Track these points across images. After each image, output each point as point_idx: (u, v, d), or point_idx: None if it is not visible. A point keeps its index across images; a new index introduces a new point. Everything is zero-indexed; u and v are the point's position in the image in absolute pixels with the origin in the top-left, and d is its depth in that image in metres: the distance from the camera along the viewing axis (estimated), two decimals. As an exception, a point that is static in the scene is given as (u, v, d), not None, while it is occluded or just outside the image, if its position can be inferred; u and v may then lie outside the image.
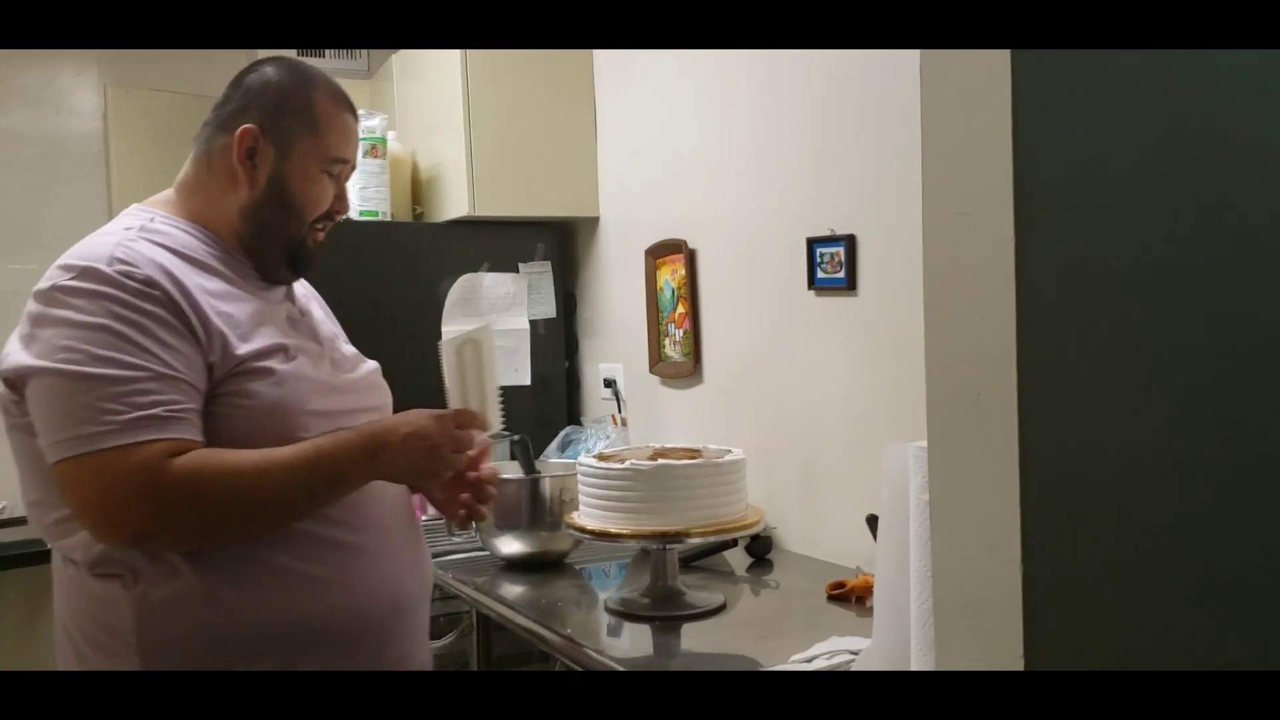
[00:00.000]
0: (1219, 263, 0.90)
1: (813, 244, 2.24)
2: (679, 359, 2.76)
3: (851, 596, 1.93)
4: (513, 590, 2.14)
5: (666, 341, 2.81)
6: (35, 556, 3.07)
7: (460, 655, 2.68)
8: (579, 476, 1.97)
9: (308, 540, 1.36)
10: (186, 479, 1.26)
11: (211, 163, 1.46)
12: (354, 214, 2.94)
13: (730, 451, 1.94)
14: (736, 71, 2.49)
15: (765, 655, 1.65)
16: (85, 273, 1.28)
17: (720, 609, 1.92)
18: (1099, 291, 0.86)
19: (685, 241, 2.70)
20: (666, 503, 1.83)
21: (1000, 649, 0.85)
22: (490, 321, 1.54)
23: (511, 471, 2.29)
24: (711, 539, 2.01)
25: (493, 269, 3.07)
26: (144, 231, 1.37)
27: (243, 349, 1.34)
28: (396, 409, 1.59)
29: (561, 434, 2.99)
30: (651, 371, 2.87)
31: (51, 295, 1.29)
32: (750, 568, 2.25)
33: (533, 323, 3.13)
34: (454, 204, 3.06)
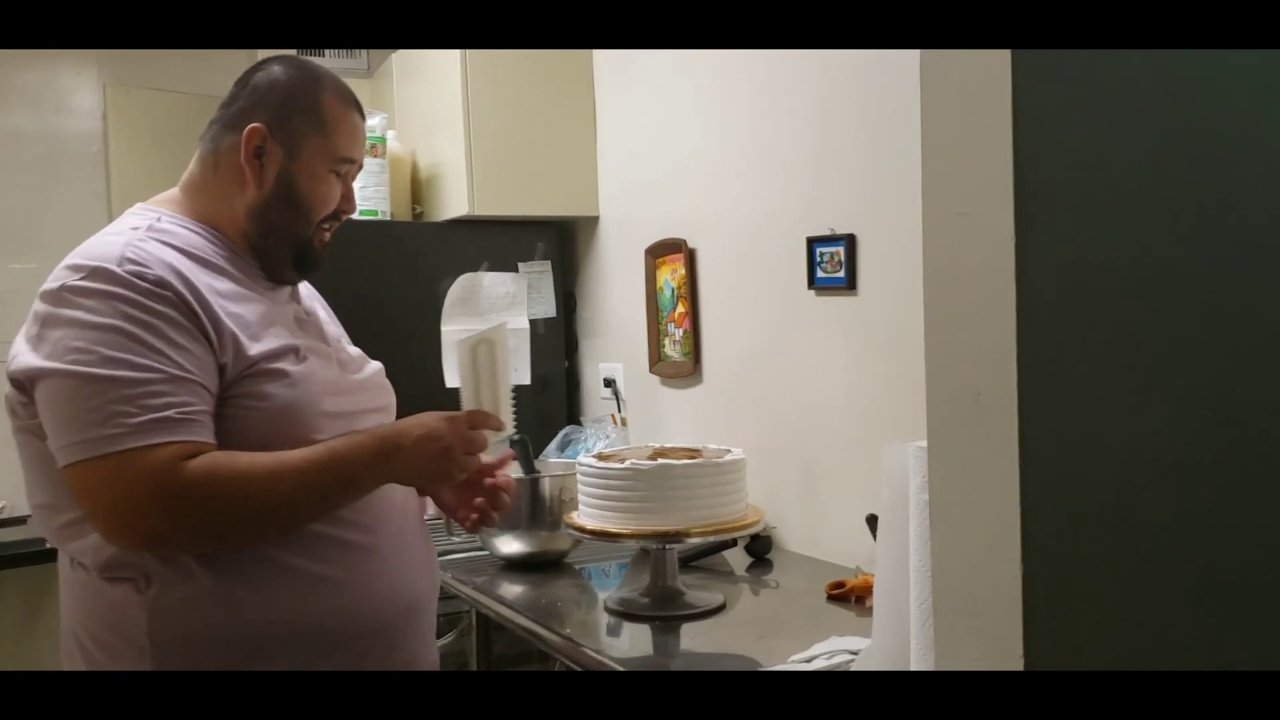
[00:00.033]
0: (1219, 262, 0.90)
1: (813, 243, 2.24)
2: (679, 358, 2.76)
3: (851, 596, 1.93)
4: (512, 590, 2.14)
5: (666, 341, 2.81)
6: (35, 556, 3.07)
7: (460, 655, 2.68)
8: (579, 476, 1.97)
9: (320, 541, 1.35)
10: (200, 482, 1.24)
11: (218, 161, 1.45)
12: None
13: (730, 451, 1.94)
14: (736, 71, 2.49)
15: (765, 655, 1.65)
16: (95, 273, 1.27)
17: (720, 609, 1.92)
18: (1099, 291, 0.86)
19: (685, 241, 2.70)
20: (666, 502, 1.83)
21: (1000, 649, 0.84)
22: (504, 321, 1.53)
23: (511, 471, 2.28)
24: (711, 539, 2.01)
25: (492, 268, 3.07)
26: (152, 231, 1.35)
27: (255, 350, 1.33)
28: (397, 409, 1.59)
29: (561, 433, 2.98)
30: (651, 371, 2.86)
31: (61, 296, 1.27)
32: (750, 567, 2.25)
33: (532, 322, 3.13)
34: (454, 203, 3.06)
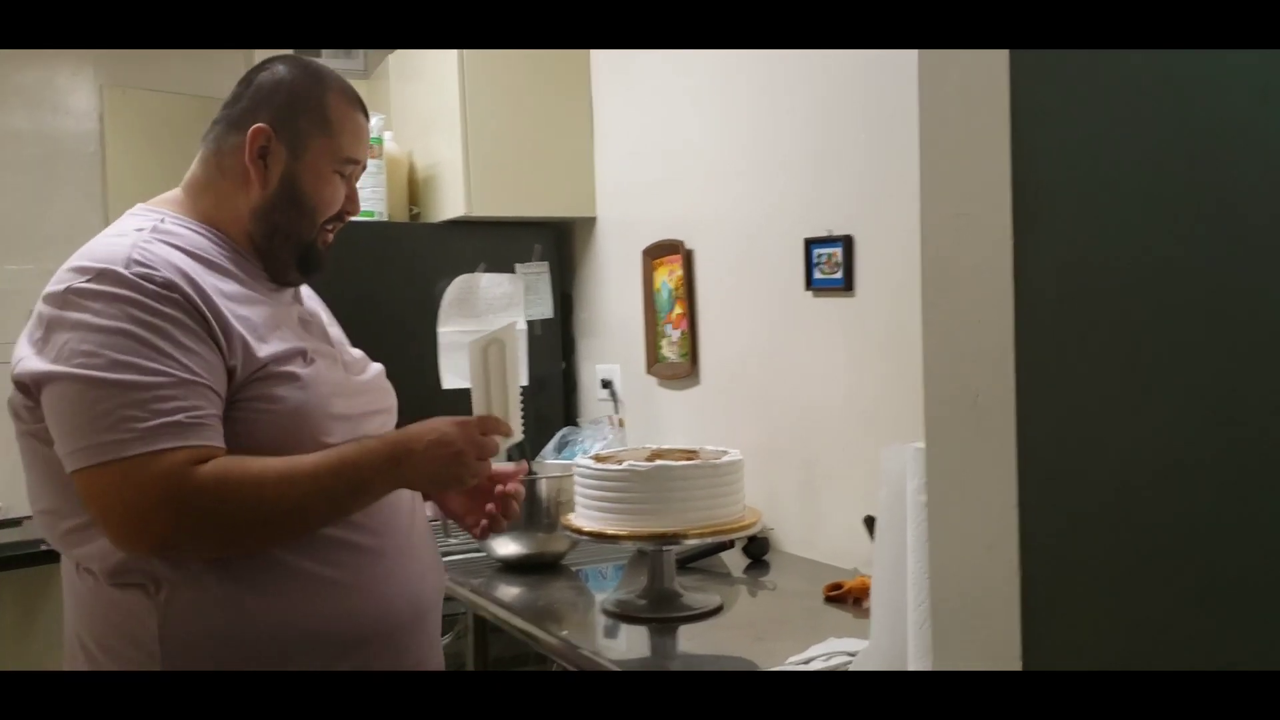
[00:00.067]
0: (1218, 262, 0.90)
1: (810, 245, 2.24)
2: (676, 360, 2.76)
3: (849, 598, 1.92)
4: (509, 592, 2.13)
5: (664, 342, 2.81)
6: (31, 558, 3.07)
7: (457, 657, 2.67)
8: (576, 477, 1.96)
9: (330, 545, 1.34)
10: (211, 487, 1.23)
11: (222, 162, 1.43)
12: (351, 214, 2.93)
13: (727, 453, 1.93)
14: (734, 72, 2.49)
15: (762, 657, 1.65)
16: (102, 275, 1.25)
17: (717, 610, 1.91)
18: (1098, 292, 0.85)
19: (683, 242, 2.70)
20: (664, 504, 1.82)
21: (998, 651, 0.84)
22: (514, 321, 1.52)
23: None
24: (709, 540, 2.01)
25: (489, 269, 3.07)
26: (156, 232, 1.34)
27: (264, 353, 1.32)
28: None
29: (558, 435, 2.98)
30: (649, 372, 2.86)
31: (66, 298, 1.25)
32: (747, 569, 2.25)
33: (530, 323, 3.12)
34: (450, 204, 3.06)
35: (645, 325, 2.85)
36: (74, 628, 1.36)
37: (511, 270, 3.10)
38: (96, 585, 1.31)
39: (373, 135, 3.01)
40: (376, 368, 1.58)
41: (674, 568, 1.97)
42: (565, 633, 1.84)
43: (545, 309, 3.15)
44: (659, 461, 1.87)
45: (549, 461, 2.76)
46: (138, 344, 1.23)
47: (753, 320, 2.47)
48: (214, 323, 1.28)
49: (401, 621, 1.42)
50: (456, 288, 3.02)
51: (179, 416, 1.22)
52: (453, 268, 3.02)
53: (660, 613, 1.90)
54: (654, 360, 2.85)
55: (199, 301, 1.28)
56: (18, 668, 3.34)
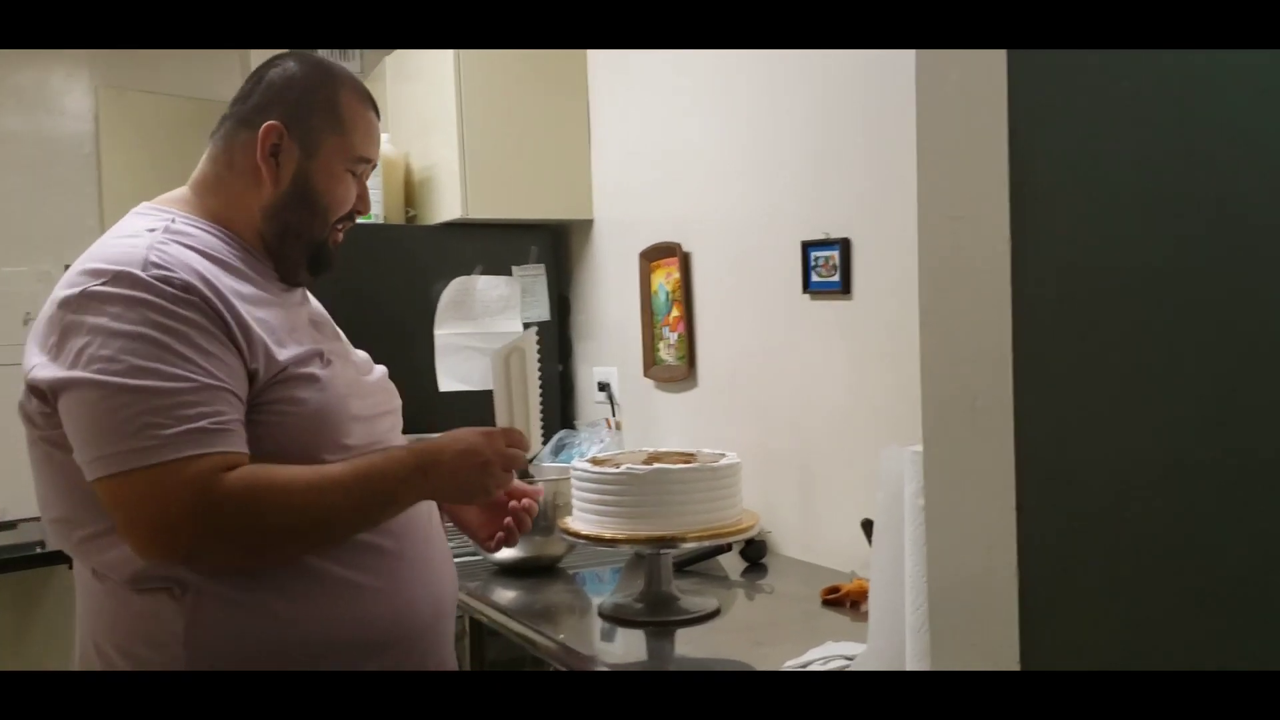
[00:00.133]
0: (1217, 264, 0.90)
1: (807, 247, 2.24)
2: (673, 362, 2.75)
3: (846, 601, 1.92)
4: (506, 595, 2.13)
5: (661, 345, 2.81)
6: (27, 560, 3.06)
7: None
8: (573, 481, 1.96)
9: (354, 548, 1.33)
10: (239, 496, 1.21)
11: (232, 159, 1.41)
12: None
13: (725, 455, 1.93)
14: (732, 73, 2.49)
15: (760, 661, 1.65)
16: (119, 277, 1.22)
17: (714, 614, 1.91)
18: (1096, 294, 0.85)
19: (680, 244, 2.69)
20: (661, 507, 1.82)
21: (996, 654, 0.84)
22: (533, 327, 1.51)
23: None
24: (706, 543, 2.01)
25: (486, 272, 3.06)
26: (169, 233, 1.31)
27: (284, 355, 1.30)
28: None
29: (555, 438, 2.98)
30: (646, 375, 2.86)
31: (82, 302, 1.22)
32: (745, 572, 2.25)
33: (526, 326, 3.11)
34: (447, 206, 3.06)
35: (642, 328, 2.85)
36: (90, 633, 1.33)
37: (508, 272, 3.10)
38: (117, 590, 1.28)
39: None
40: (381, 369, 1.57)
41: (671, 571, 1.97)
42: (562, 636, 1.83)
43: (542, 311, 3.14)
44: (656, 465, 1.87)
45: (546, 464, 2.75)
46: (158, 349, 1.20)
47: (750, 323, 2.46)
48: (234, 326, 1.26)
49: (424, 623, 1.41)
50: (453, 290, 3.02)
51: (203, 423, 1.20)
52: (449, 270, 3.02)
53: (657, 616, 1.89)
54: (651, 363, 2.84)
55: (218, 304, 1.26)
56: (15, 668, 3.33)
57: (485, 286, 3.06)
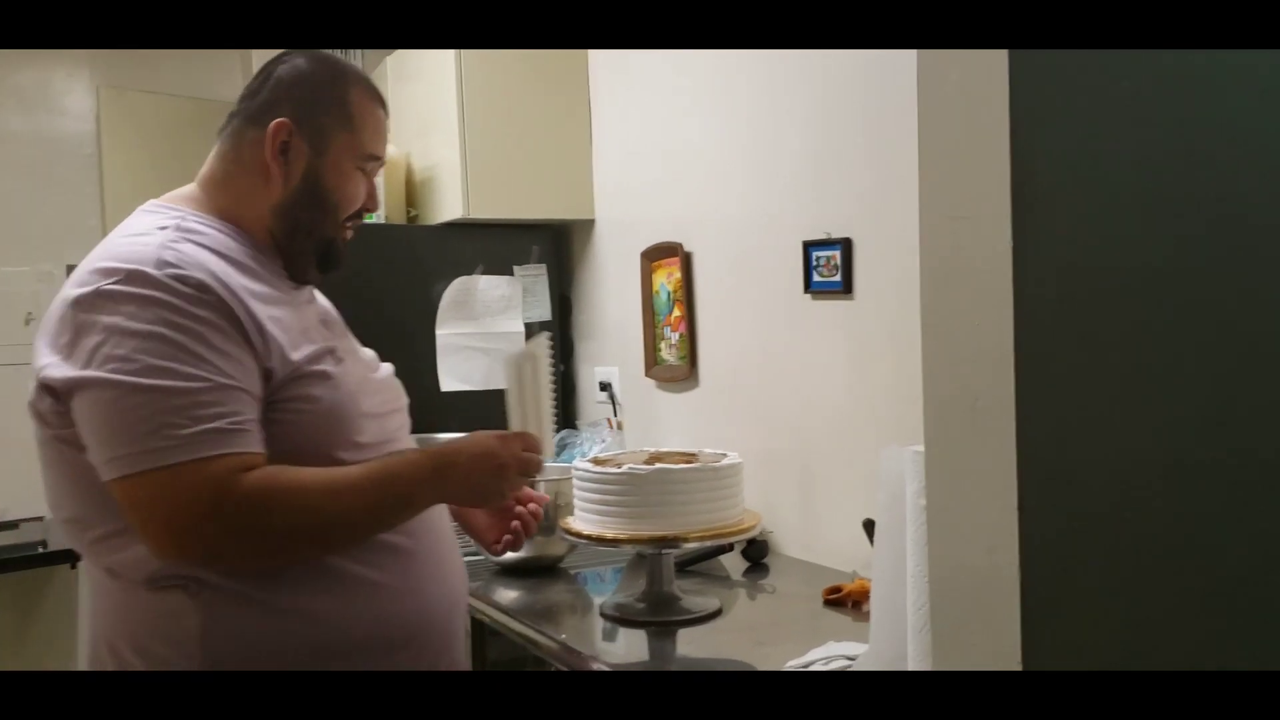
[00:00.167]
0: (1218, 265, 0.90)
1: (809, 247, 2.24)
2: (675, 362, 2.75)
3: (848, 601, 1.92)
4: (507, 595, 2.13)
5: (662, 345, 2.81)
6: (28, 560, 3.06)
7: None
8: (574, 481, 1.96)
9: (371, 546, 1.33)
10: (257, 497, 1.21)
11: (241, 157, 1.40)
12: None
13: (726, 455, 1.93)
14: (733, 73, 2.49)
15: (761, 661, 1.65)
16: (132, 276, 1.21)
17: (716, 614, 1.91)
18: (1098, 293, 0.85)
19: (681, 244, 2.69)
20: (663, 507, 1.82)
21: (998, 655, 0.84)
22: (543, 333, 1.51)
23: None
24: (708, 543, 2.00)
25: (487, 272, 3.06)
26: (181, 231, 1.30)
27: (297, 354, 1.30)
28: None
29: (557, 437, 2.98)
30: (647, 375, 2.86)
31: (95, 301, 1.21)
32: (746, 572, 2.25)
33: (528, 326, 3.11)
34: (448, 206, 3.06)
35: (644, 328, 2.85)
36: (102, 632, 1.32)
37: (509, 272, 3.10)
38: (131, 589, 1.27)
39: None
40: (388, 367, 1.57)
41: (673, 571, 1.97)
42: (564, 636, 1.83)
43: (543, 311, 3.14)
44: (658, 465, 1.87)
45: (547, 464, 2.75)
46: (174, 348, 1.19)
47: (752, 323, 2.46)
48: (249, 325, 1.26)
49: (439, 621, 1.41)
50: (454, 290, 3.02)
51: (220, 423, 1.20)
52: (451, 270, 3.02)
53: (659, 616, 1.89)
54: (653, 363, 2.84)
55: (232, 304, 1.25)
56: (15, 669, 3.34)
57: (486, 286, 3.06)
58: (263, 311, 1.28)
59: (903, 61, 1.90)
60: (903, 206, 1.98)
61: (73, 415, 1.22)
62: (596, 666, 1.69)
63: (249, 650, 1.26)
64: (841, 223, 2.17)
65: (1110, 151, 0.85)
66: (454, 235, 3.08)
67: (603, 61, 3.06)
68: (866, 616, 1.42)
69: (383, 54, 3.61)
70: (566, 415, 3.24)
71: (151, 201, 1.40)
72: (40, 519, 3.31)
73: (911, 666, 1.20)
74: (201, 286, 1.23)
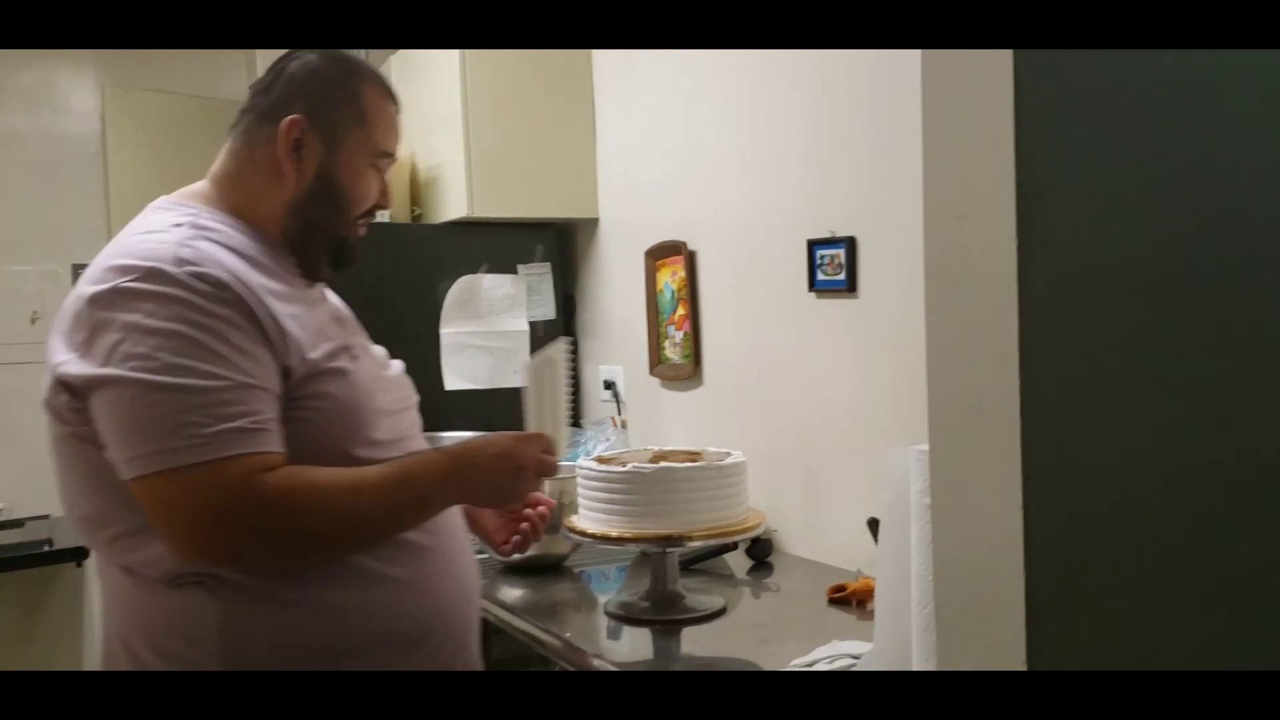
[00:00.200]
0: (1223, 264, 0.90)
1: (813, 246, 2.23)
2: (679, 361, 2.75)
3: (853, 600, 1.92)
4: (511, 593, 2.13)
5: (666, 343, 2.81)
6: (32, 559, 3.07)
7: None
8: (579, 479, 1.96)
9: (391, 543, 1.33)
10: (280, 498, 1.20)
11: (253, 154, 1.39)
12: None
13: (731, 454, 1.93)
14: (736, 72, 2.49)
15: (766, 659, 1.65)
16: (151, 274, 1.20)
17: (720, 613, 1.91)
18: (1102, 293, 0.85)
19: (685, 243, 2.69)
20: (667, 505, 1.82)
21: (1003, 653, 0.84)
22: (561, 338, 1.52)
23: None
24: (712, 542, 2.00)
25: (491, 270, 3.06)
26: (197, 229, 1.29)
27: (315, 352, 1.29)
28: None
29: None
30: (651, 373, 2.86)
31: (113, 298, 1.19)
32: (751, 571, 2.25)
33: (532, 324, 3.12)
34: (452, 205, 3.06)
35: (648, 326, 2.85)
36: (118, 631, 1.31)
37: (514, 271, 3.10)
38: (148, 586, 1.26)
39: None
40: (399, 364, 1.57)
41: (677, 569, 1.97)
42: (568, 635, 1.83)
43: (547, 310, 3.15)
44: (662, 463, 1.87)
45: (552, 463, 2.75)
46: (195, 346, 1.19)
47: (756, 321, 2.46)
48: (268, 323, 1.25)
49: (457, 618, 1.41)
50: (459, 289, 3.02)
51: (241, 422, 1.19)
52: (455, 269, 3.02)
53: (663, 615, 1.89)
54: (657, 361, 2.84)
55: (251, 302, 1.24)
56: (20, 668, 3.35)
57: (490, 285, 3.06)
58: (280, 309, 1.28)
59: (906, 60, 1.90)
60: (907, 205, 1.98)
61: (91, 413, 1.21)
62: (600, 665, 1.69)
63: (267, 646, 1.25)
64: (846, 221, 2.17)
65: (1114, 150, 0.85)
66: (458, 234, 3.08)
67: (607, 61, 3.06)
68: (871, 615, 1.42)
69: (387, 54, 3.61)
70: (571, 414, 3.23)
71: (163, 198, 1.39)
72: (45, 517, 3.32)
73: (916, 665, 1.20)
74: (220, 284, 1.23)
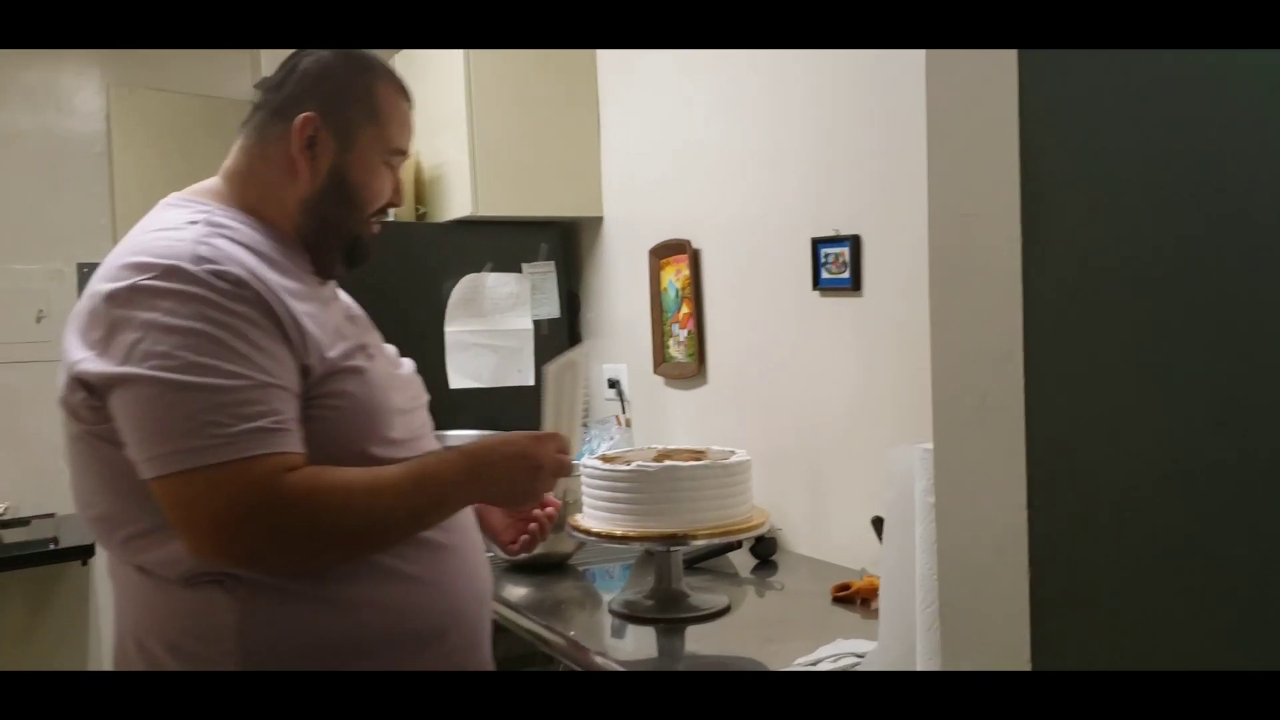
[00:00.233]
0: (1228, 263, 0.90)
1: (817, 244, 2.23)
2: (683, 360, 2.75)
3: (857, 599, 1.92)
4: (516, 592, 2.13)
5: (670, 342, 2.81)
6: (37, 558, 3.07)
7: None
8: (583, 478, 1.96)
9: (407, 541, 1.32)
10: (301, 498, 1.19)
11: (266, 151, 1.38)
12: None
13: (735, 453, 1.93)
14: (741, 71, 2.49)
15: (770, 658, 1.65)
16: (169, 272, 1.19)
17: (725, 611, 1.91)
18: (1106, 291, 0.85)
19: (689, 242, 2.69)
20: (671, 504, 1.82)
21: (1007, 653, 0.84)
22: (585, 343, 1.53)
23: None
24: (716, 541, 2.00)
25: (496, 269, 3.07)
26: (213, 226, 1.28)
27: (333, 351, 1.29)
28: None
29: (567, 436, 2.98)
30: (655, 372, 2.86)
31: (131, 296, 1.18)
32: (755, 569, 2.25)
33: (536, 323, 3.12)
34: (457, 204, 3.06)
35: (652, 325, 2.85)
36: (131, 630, 1.30)
37: (518, 270, 3.10)
38: (164, 586, 1.25)
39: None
40: (410, 362, 1.56)
41: (681, 568, 1.97)
42: (572, 633, 1.83)
43: (552, 308, 3.15)
44: (667, 462, 1.87)
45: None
46: (215, 345, 1.18)
47: (760, 320, 2.46)
48: (286, 322, 1.24)
49: (470, 616, 1.41)
50: (463, 287, 3.02)
51: (263, 422, 1.18)
52: (459, 267, 3.03)
53: (667, 613, 1.89)
54: (661, 360, 2.84)
55: (270, 300, 1.23)
56: (24, 666, 3.35)
57: (495, 283, 3.06)
58: (298, 308, 1.27)
59: (910, 59, 1.90)
60: (911, 203, 1.98)
61: (110, 411, 1.20)
62: (604, 664, 1.70)
63: (285, 644, 1.25)
64: (850, 220, 2.17)
65: (1117, 150, 0.85)
66: (462, 233, 3.08)
67: (611, 60, 3.06)
68: (875, 614, 1.42)
69: (390, 53, 3.62)
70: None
71: (174, 195, 1.38)
72: (51, 515, 3.32)
73: (920, 664, 1.20)
74: (239, 282, 1.22)
